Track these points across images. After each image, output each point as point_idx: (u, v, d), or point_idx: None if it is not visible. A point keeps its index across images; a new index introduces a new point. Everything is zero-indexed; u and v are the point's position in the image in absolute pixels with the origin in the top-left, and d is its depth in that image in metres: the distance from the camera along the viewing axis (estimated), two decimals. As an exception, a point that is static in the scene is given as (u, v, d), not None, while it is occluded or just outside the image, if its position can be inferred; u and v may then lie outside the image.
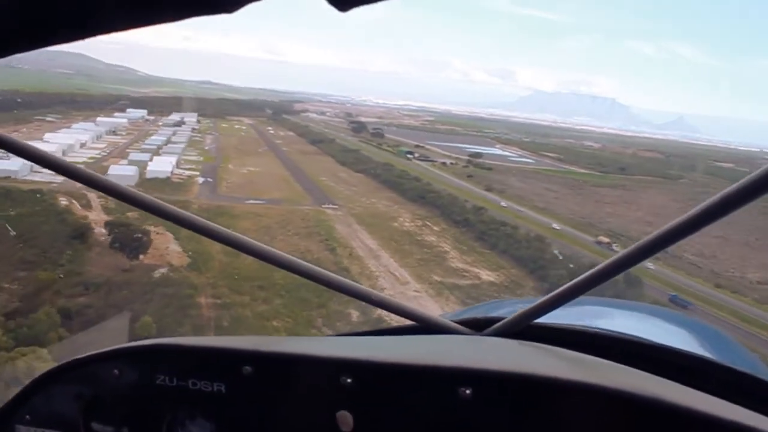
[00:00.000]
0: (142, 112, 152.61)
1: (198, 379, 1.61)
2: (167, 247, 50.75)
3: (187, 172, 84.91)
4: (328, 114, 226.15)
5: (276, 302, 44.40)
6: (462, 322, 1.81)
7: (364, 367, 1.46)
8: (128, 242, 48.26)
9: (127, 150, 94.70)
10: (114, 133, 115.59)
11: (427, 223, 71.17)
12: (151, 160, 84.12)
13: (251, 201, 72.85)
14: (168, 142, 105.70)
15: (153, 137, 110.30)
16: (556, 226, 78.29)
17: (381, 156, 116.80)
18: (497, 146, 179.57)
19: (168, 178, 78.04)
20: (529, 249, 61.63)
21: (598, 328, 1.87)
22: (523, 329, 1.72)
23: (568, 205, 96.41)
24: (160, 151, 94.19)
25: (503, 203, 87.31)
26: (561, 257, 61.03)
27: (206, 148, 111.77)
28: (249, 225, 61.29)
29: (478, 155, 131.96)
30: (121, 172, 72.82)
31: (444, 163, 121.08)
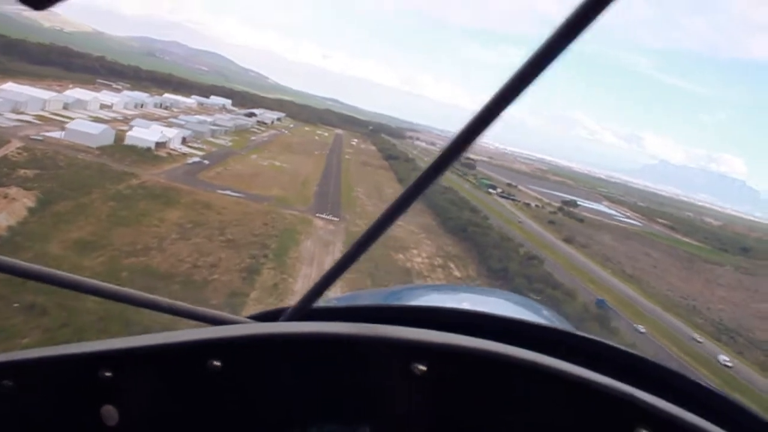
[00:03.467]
0: (224, 101, 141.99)
1: None
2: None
3: (190, 150, 66.42)
4: (437, 145, 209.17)
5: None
6: (261, 315, 1.65)
7: (121, 356, 1.41)
8: None
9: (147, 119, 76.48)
10: (166, 108, 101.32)
11: (451, 264, 46.94)
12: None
13: (227, 192, 52.62)
14: (208, 123, 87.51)
15: (196, 116, 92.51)
16: (646, 302, 52.37)
17: (453, 182, 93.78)
18: (604, 203, 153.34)
19: (149, 149, 60.13)
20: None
21: (388, 304, 1.92)
22: (310, 314, 1.57)
23: (669, 279, 69.79)
24: (181, 126, 75.90)
25: (580, 258, 61.62)
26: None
27: (252, 138, 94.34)
28: (179, 215, 42.54)
29: (574, 204, 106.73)
30: (85, 129, 57.55)
31: (528, 204, 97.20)
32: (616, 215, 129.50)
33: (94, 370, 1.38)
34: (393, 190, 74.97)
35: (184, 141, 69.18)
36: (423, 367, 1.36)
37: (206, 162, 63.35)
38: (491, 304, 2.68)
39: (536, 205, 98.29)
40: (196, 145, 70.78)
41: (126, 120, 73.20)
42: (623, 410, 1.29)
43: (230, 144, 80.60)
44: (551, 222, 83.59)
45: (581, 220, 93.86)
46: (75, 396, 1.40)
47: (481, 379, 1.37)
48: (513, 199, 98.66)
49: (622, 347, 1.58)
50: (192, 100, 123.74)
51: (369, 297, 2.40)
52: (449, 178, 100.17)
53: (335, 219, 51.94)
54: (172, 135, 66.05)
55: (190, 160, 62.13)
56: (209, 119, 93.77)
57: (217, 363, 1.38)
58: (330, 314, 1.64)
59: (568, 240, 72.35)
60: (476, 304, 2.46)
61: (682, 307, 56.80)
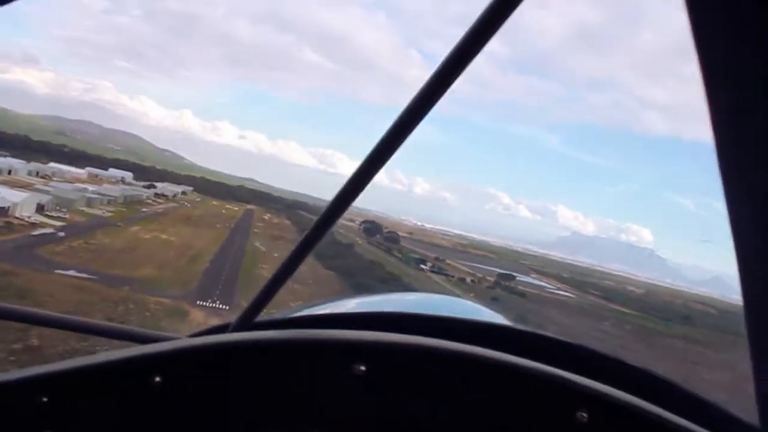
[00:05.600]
0: (125, 173, 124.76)
1: None
2: None
3: (44, 220, 49.79)
4: (355, 222, 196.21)
5: None
6: (204, 332, 1.70)
7: (58, 380, 1.36)
8: None
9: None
10: (43, 176, 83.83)
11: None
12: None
13: (70, 272, 35.17)
14: (89, 191, 70.75)
15: (72, 185, 75.41)
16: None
17: (379, 257, 79.28)
18: (533, 275, 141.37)
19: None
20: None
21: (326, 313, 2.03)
22: (252, 328, 1.67)
23: (645, 362, 56.12)
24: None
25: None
26: None
27: (143, 210, 77.57)
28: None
29: (510, 277, 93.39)
30: None
31: (463, 279, 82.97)
32: (548, 287, 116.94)
33: (31, 397, 1.28)
34: (307, 267, 59.77)
35: (41, 209, 52.28)
36: (363, 368, 1.34)
37: (60, 234, 47.50)
38: (432, 307, 2.57)
39: (471, 280, 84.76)
40: (56, 214, 54.12)
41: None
42: (563, 395, 1.29)
43: (109, 215, 64.21)
44: (494, 299, 69.50)
45: (523, 295, 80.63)
46: (11, 425, 1.30)
47: (421, 374, 1.36)
48: (446, 274, 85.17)
49: (561, 338, 1.62)
50: (83, 171, 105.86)
51: (312, 309, 2.32)
52: (374, 252, 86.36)
53: (224, 308, 35.78)
54: (18, 200, 49.02)
55: (37, 231, 45.99)
56: (91, 188, 76.57)
57: (157, 379, 1.33)
58: (271, 326, 1.64)
59: (521, 320, 57.73)
60: (414, 308, 2.33)
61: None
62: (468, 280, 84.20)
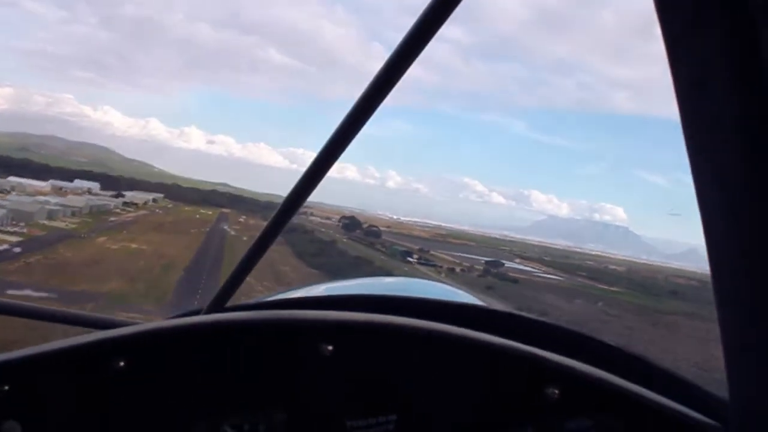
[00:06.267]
0: (91, 184, 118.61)
1: None
2: None
3: (1, 236, 44.33)
4: (333, 219, 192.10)
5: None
6: (175, 317, 1.65)
7: (17, 368, 1.32)
8: None
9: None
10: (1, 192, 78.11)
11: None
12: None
13: (26, 292, 31.16)
14: (51, 203, 65.49)
15: (31, 197, 69.85)
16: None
17: (363, 252, 75.09)
18: (517, 260, 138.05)
19: None
20: None
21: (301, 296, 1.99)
22: (219, 311, 1.67)
23: (654, 344, 53.00)
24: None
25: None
26: None
27: (111, 219, 72.27)
28: None
29: (498, 264, 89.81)
30: None
31: (452, 269, 78.99)
32: (535, 272, 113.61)
33: None
34: (290, 267, 55.61)
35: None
36: (330, 347, 1.34)
37: (16, 250, 42.25)
38: (406, 289, 2.52)
39: (461, 269, 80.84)
40: (12, 229, 48.87)
41: None
42: (531, 371, 1.30)
43: (73, 227, 59.30)
44: (489, 287, 65.81)
45: (515, 281, 77.05)
46: None
47: (389, 353, 1.35)
48: (434, 265, 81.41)
49: (530, 315, 1.64)
50: (46, 184, 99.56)
51: (284, 294, 2.27)
52: (358, 248, 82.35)
53: (204, 319, 31.27)
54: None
55: (-16, 248, 40.45)
56: (54, 200, 71.09)
57: (121, 363, 1.30)
58: (241, 310, 1.64)
59: (522, 308, 53.84)
60: (387, 290, 2.24)
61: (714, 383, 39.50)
62: (457, 269, 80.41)
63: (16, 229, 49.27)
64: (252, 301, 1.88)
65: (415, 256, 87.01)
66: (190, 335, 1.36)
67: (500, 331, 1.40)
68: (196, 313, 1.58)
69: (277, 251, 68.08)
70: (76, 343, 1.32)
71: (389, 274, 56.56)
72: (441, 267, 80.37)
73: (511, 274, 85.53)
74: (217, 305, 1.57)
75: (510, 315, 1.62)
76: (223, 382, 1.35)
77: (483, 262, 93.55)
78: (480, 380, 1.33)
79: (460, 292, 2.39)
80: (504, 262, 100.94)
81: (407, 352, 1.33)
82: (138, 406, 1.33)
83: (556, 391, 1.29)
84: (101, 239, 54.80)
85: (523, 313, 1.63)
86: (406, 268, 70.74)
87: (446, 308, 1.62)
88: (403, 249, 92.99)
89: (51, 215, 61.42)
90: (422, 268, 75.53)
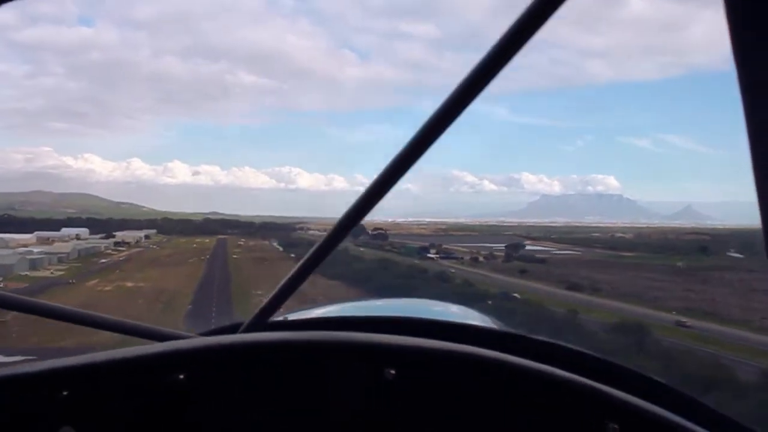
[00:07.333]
0: (79, 230, 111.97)
1: None
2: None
3: None
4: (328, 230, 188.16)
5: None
6: (214, 332, 1.66)
7: (79, 374, 1.32)
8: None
9: None
10: None
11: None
12: None
13: None
14: (33, 254, 58.88)
15: (11, 250, 63.07)
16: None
17: (380, 255, 69.20)
18: (527, 242, 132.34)
19: None
20: None
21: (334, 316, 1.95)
22: (267, 328, 1.63)
23: (723, 301, 48.02)
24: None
25: (633, 309, 38.39)
26: None
27: (102, 261, 65.60)
28: None
29: (520, 246, 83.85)
30: None
31: (475, 259, 72.72)
32: (553, 250, 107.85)
33: (51, 390, 1.24)
34: (307, 284, 48.52)
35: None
36: (392, 371, 1.31)
37: None
38: (438, 313, 2.57)
39: (483, 258, 74.19)
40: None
41: None
42: (593, 406, 1.28)
43: (59, 274, 52.82)
44: (523, 271, 59.88)
45: (542, 261, 71.02)
46: (29, 417, 1.26)
47: (451, 381, 1.33)
48: (456, 258, 75.61)
49: (586, 351, 1.60)
50: (30, 236, 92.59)
51: (320, 312, 2.31)
52: (372, 252, 76.82)
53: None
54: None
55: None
56: (36, 249, 64.20)
57: (181, 376, 1.28)
58: (287, 327, 1.61)
59: (573, 287, 48.99)
60: (419, 313, 2.36)
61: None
62: (480, 258, 74.30)
63: (-10, 284, 42.25)
64: (293, 317, 1.80)
65: (433, 251, 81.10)
66: (252, 352, 1.34)
67: (542, 359, 1.36)
68: (235, 328, 1.52)
69: (286, 267, 61.41)
70: (138, 354, 1.31)
71: (415, 273, 50.49)
72: (462, 258, 74.79)
73: (536, 255, 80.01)
74: (262, 320, 1.50)
75: (552, 345, 1.53)
76: (280, 400, 1.33)
77: (503, 247, 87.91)
78: (542, 412, 1.29)
79: (487, 318, 2.34)
80: (524, 243, 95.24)
81: (469, 381, 1.30)
82: (195, 421, 1.31)
83: (616, 427, 1.25)
84: (92, 282, 48.19)
85: (565, 343, 1.54)
86: (432, 265, 64.63)
87: (491, 336, 1.59)
88: (418, 246, 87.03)
89: (34, 265, 54.57)
90: (446, 262, 69.47)
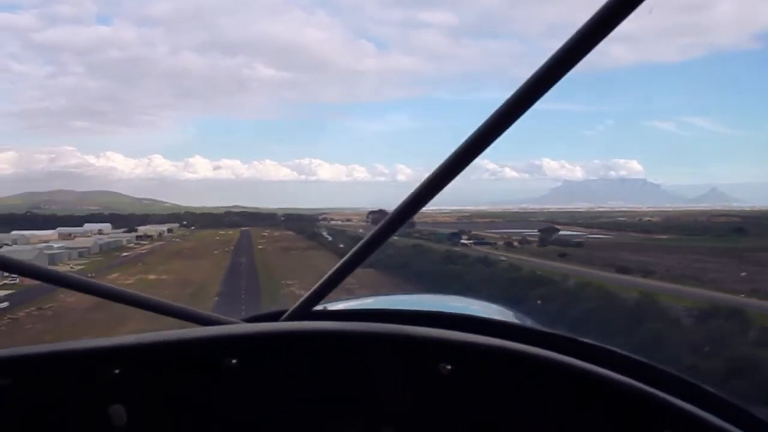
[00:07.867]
0: (102, 225, 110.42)
1: None
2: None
3: None
4: (354, 220, 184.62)
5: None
6: (257, 318, 1.65)
7: (131, 353, 1.32)
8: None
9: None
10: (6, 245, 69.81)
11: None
12: None
13: None
14: (53, 249, 57.13)
15: (32, 245, 61.28)
16: None
17: (410, 242, 65.77)
18: (557, 227, 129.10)
19: None
20: None
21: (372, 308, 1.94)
22: (310, 316, 1.61)
23: None
24: None
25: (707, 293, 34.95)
26: None
27: (124, 254, 63.60)
28: None
29: (553, 230, 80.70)
30: None
31: (510, 244, 69.71)
32: (585, 234, 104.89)
33: (101, 367, 1.25)
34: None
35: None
36: (449, 367, 1.30)
37: (2, 305, 33.15)
38: (478, 311, 2.59)
39: (518, 242, 71.38)
40: (2, 282, 39.30)
41: None
42: (648, 412, 1.27)
43: (80, 267, 50.79)
44: (562, 255, 56.98)
45: (579, 245, 67.61)
46: (78, 394, 1.27)
47: (508, 380, 1.32)
48: (489, 243, 72.67)
49: (634, 356, 1.58)
50: (52, 232, 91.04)
51: (356, 304, 2.32)
52: (402, 240, 73.54)
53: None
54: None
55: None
56: (57, 245, 62.22)
57: (233, 361, 1.28)
58: (331, 316, 1.61)
59: (622, 270, 45.55)
60: (466, 311, 2.38)
61: None
62: (515, 243, 71.25)
63: (6, 281, 39.79)
64: (338, 307, 1.80)
65: (465, 237, 78.20)
66: (303, 340, 1.34)
67: (589, 361, 1.33)
68: (277, 316, 1.52)
69: (317, 256, 58.84)
70: (191, 336, 1.31)
71: (456, 258, 47.70)
72: (496, 244, 71.79)
73: (573, 239, 77.18)
74: (305, 310, 1.49)
75: (600, 348, 1.50)
76: (330, 390, 1.32)
77: (535, 232, 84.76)
78: (599, 417, 1.27)
79: (527, 318, 2.26)
80: (558, 228, 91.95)
81: (523, 380, 1.29)
82: (245, 407, 1.31)
83: None
84: (113, 275, 45.79)
85: (616, 348, 1.51)
86: (468, 251, 61.52)
87: (542, 336, 1.55)
88: (450, 233, 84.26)
89: (54, 260, 52.29)
90: (480, 248, 66.51)
